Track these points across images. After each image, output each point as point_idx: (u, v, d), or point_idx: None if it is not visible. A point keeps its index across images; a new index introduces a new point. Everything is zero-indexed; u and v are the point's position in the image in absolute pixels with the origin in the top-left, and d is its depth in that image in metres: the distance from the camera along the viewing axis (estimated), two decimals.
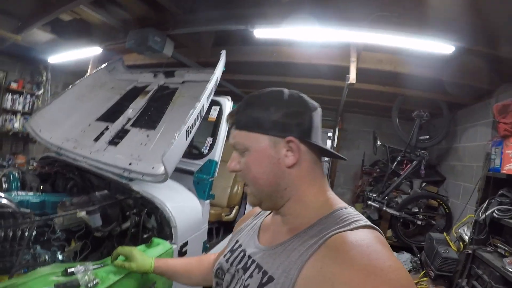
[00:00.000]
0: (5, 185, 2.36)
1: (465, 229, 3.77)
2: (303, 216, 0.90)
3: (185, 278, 1.39)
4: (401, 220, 4.94)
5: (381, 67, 4.04)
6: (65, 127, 3.14)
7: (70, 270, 1.36)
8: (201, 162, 2.74)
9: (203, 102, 2.19)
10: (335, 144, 7.15)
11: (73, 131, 3.09)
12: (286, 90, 0.95)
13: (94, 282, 1.33)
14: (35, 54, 6.03)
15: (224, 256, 1.07)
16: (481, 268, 3.04)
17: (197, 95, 2.28)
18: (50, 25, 4.63)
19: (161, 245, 1.82)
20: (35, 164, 3.05)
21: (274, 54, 4.17)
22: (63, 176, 2.75)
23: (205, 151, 2.76)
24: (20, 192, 2.23)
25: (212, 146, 2.75)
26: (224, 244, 1.32)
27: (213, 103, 2.95)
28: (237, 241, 1.09)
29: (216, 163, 2.74)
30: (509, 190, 3.06)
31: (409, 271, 4.24)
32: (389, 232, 5.20)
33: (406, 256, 4.58)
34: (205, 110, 2.33)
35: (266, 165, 0.91)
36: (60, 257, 1.62)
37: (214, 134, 2.82)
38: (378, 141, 5.55)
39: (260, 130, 0.90)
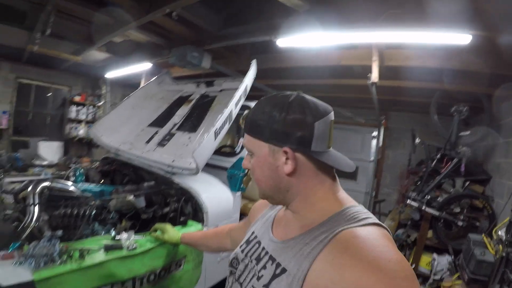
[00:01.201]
0: (72, 179, 2.77)
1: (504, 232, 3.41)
2: (312, 214, 0.93)
3: (204, 247, 1.70)
4: (442, 220, 4.66)
5: (408, 63, 3.97)
6: (122, 132, 3.57)
7: (117, 237, 1.77)
8: (234, 160, 3.06)
9: (231, 107, 2.51)
10: (380, 144, 6.92)
11: (129, 135, 3.52)
12: (292, 96, 0.94)
13: (134, 246, 1.73)
14: (95, 71, 6.74)
15: (241, 247, 1.12)
16: None
17: None
18: (106, 46, 5.10)
19: (193, 226, 2.20)
20: (97, 163, 3.48)
21: (294, 61, 4.35)
22: (120, 172, 3.19)
23: (238, 150, 3.11)
24: (84, 184, 2.64)
25: (243, 145, 3.09)
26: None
27: (246, 107, 3.29)
28: (253, 232, 1.14)
29: (242, 163, 3.04)
30: None
31: (443, 273, 4.16)
32: (430, 233, 4.91)
33: (447, 258, 4.39)
34: (234, 114, 2.62)
35: (266, 170, 0.96)
36: (113, 233, 1.91)
37: (243, 136, 3.13)
38: (417, 139, 5.36)
39: (261, 137, 0.94)
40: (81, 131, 7.73)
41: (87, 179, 2.93)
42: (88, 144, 7.99)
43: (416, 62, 3.94)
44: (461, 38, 2.91)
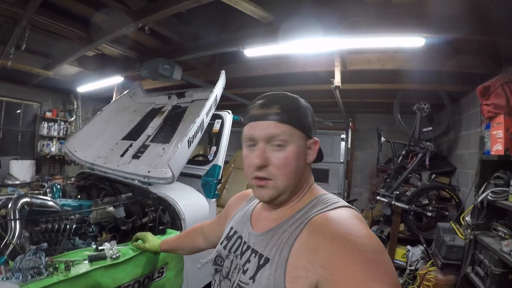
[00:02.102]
0: (49, 195, 2.81)
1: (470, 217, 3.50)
2: (293, 206, 1.02)
3: (180, 250, 1.76)
4: (412, 213, 4.83)
5: (370, 67, 4.16)
6: (96, 147, 3.59)
7: (100, 247, 1.82)
8: (207, 167, 3.14)
9: (202, 117, 2.59)
10: (349, 145, 6.91)
11: (103, 149, 3.55)
12: (300, 98, 1.07)
13: (117, 255, 1.77)
14: (66, 86, 6.65)
15: (221, 244, 1.16)
16: (483, 253, 3.00)
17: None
18: (77, 60, 5.12)
19: (172, 234, 2.23)
20: (72, 179, 3.46)
21: (259, 70, 4.50)
22: (96, 187, 3.20)
23: (211, 158, 3.19)
24: (62, 199, 2.68)
25: (216, 153, 3.18)
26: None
27: (216, 116, 3.38)
28: (231, 228, 1.19)
29: (220, 167, 3.10)
30: (504, 171, 2.92)
31: (417, 262, 4.28)
32: (402, 226, 5.07)
33: (421, 248, 4.57)
34: (206, 123, 2.69)
35: (301, 159, 1.00)
36: (94, 246, 1.92)
37: (217, 143, 3.21)
38: (382, 138, 5.53)
39: (302, 128, 1.00)
40: (53, 148, 7.62)
41: (64, 195, 2.97)
42: (60, 161, 7.89)
43: (377, 65, 4.13)
44: (415, 41, 3.10)
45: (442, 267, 3.66)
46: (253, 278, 0.94)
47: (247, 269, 0.97)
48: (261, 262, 0.94)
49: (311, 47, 3.45)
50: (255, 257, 0.98)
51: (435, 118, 5.67)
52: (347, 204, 0.96)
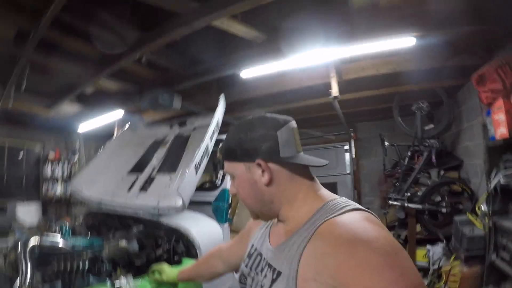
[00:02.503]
0: (59, 235, 2.79)
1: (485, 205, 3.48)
2: (298, 218, 0.97)
3: (199, 277, 1.71)
4: (426, 212, 4.79)
5: (365, 74, 4.15)
6: (102, 183, 3.58)
7: (116, 283, 1.78)
8: (216, 193, 3.14)
9: (207, 142, 2.61)
10: (353, 155, 7.10)
11: (110, 185, 3.54)
12: (254, 118, 1.05)
13: None
14: (67, 125, 6.57)
15: (244, 262, 1.17)
16: (505, 237, 2.96)
17: None
18: (76, 98, 5.12)
19: (189, 263, 2.22)
20: (81, 218, 3.48)
21: (257, 90, 4.51)
22: (105, 224, 3.19)
23: (218, 183, 3.19)
24: (72, 238, 2.63)
25: (223, 177, 3.18)
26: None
27: (221, 141, 3.37)
28: (252, 245, 1.19)
29: (229, 191, 3.14)
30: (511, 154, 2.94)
31: (440, 260, 4.19)
32: (419, 227, 5.01)
33: (441, 246, 4.42)
34: (210, 148, 2.71)
35: (248, 187, 1.02)
36: (108, 283, 1.90)
37: (223, 167, 3.23)
38: (386, 142, 5.57)
39: (235, 159, 1.02)
40: (59, 189, 7.49)
41: (74, 235, 2.92)
42: (67, 204, 7.74)
43: (372, 71, 4.13)
44: (406, 41, 3.13)
45: (466, 259, 3.58)
46: None
47: (264, 284, 0.97)
48: (274, 276, 0.93)
49: (305, 60, 3.47)
50: (269, 271, 0.97)
51: (434, 116, 5.68)
52: (358, 206, 0.92)
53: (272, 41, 3.33)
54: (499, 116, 2.89)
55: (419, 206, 4.70)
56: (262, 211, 1.06)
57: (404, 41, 3.14)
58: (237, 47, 3.62)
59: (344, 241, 0.78)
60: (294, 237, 0.94)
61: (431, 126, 5.41)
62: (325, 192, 1.04)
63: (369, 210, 0.91)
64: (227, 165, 1.07)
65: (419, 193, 4.95)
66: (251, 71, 3.66)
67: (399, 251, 0.76)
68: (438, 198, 4.88)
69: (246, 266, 1.14)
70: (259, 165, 0.99)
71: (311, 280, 0.81)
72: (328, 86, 4.10)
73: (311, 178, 1.06)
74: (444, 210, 4.68)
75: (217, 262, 1.58)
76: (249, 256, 1.16)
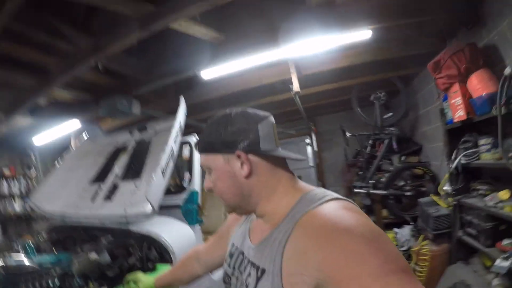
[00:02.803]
0: (23, 254, 2.60)
1: (448, 185, 3.63)
2: (278, 212, 0.96)
3: (178, 282, 1.65)
4: (391, 197, 4.96)
5: (324, 68, 4.26)
6: (63, 197, 3.43)
7: None
8: (184, 195, 3.10)
9: (171, 144, 2.56)
10: (316, 148, 7.26)
11: (71, 197, 3.40)
12: (233, 111, 1.02)
13: None
14: (20, 139, 6.25)
15: (226, 262, 1.16)
16: (470, 214, 3.13)
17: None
18: (29, 110, 4.81)
19: (164, 269, 2.12)
20: (44, 234, 3.29)
21: (221, 89, 4.52)
22: (71, 238, 3.05)
23: (186, 185, 3.15)
24: (37, 256, 2.49)
25: (190, 179, 3.15)
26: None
27: (184, 143, 3.34)
28: (233, 244, 1.17)
29: (197, 192, 3.08)
30: (470, 134, 3.11)
31: (408, 242, 4.27)
32: (384, 212, 5.29)
33: (408, 228, 4.51)
34: (175, 151, 2.66)
35: (226, 180, 1.00)
36: None
37: (190, 169, 3.19)
38: (347, 133, 5.70)
39: (214, 151, 1.00)
40: (17, 206, 7.19)
41: (39, 252, 2.77)
42: (27, 219, 7.41)
43: (330, 65, 4.26)
44: (363, 34, 3.21)
45: (434, 238, 3.74)
46: None
47: (249, 283, 0.96)
48: (259, 274, 0.92)
49: (265, 58, 3.48)
50: (253, 270, 0.96)
51: (392, 104, 5.83)
52: (336, 195, 0.91)
53: (231, 41, 3.34)
54: (456, 100, 3.07)
55: (384, 192, 4.90)
56: (240, 205, 1.04)
57: (361, 35, 3.21)
58: (196, 49, 3.58)
59: (325, 232, 0.77)
60: (274, 233, 0.93)
61: (390, 114, 5.60)
62: (303, 185, 1.04)
63: (347, 199, 0.91)
64: (204, 157, 1.05)
65: (383, 180, 5.15)
66: (212, 72, 3.65)
67: (380, 236, 0.76)
68: (402, 183, 5.11)
69: (229, 266, 1.13)
70: (238, 156, 0.98)
71: (296, 274, 0.80)
72: (287, 82, 4.16)
73: (290, 172, 1.05)
74: (408, 193, 4.90)
75: (195, 265, 1.55)
76: (231, 255, 1.15)
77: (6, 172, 7.11)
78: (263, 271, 0.91)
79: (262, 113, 1.04)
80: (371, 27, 3.17)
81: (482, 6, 3.00)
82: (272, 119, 1.05)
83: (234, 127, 0.98)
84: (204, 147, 1.04)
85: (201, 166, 1.08)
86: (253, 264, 0.98)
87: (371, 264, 0.68)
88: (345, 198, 0.91)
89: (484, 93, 2.68)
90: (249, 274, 0.98)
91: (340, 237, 0.74)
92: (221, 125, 1.00)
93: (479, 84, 2.79)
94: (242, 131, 0.98)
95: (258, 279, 0.92)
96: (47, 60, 3.42)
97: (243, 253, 1.08)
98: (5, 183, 7.08)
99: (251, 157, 0.98)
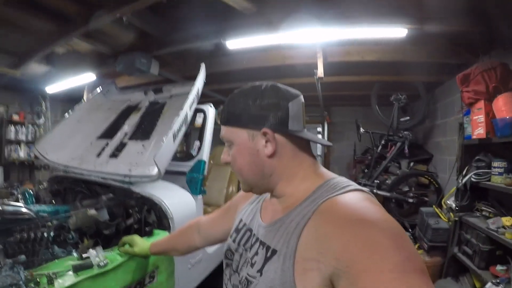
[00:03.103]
0: (21, 201, 2.56)
1: (453, 199, 3.74)
2: (296, 195, 0.93)
3: (174, 251, 1.62)
4: (393, 200, 4.95)
5: (349, 59, 4.17)
6: (69, 148, 3.38)
7: (84, 255, 1.65)
8: (191, 163, 3.04)
9: (186, 110, 2.48)
10: (325, 138, 7.00)
11: (77, 150, 3.35)
12: (264, 84, 0.97)
13: (105, 262, 1.61)
14: (33, 86, 6.23)
15: (231, 237, 1.12)
16: (469, 233, 3.15)
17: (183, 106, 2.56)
18: (46, 58, 4.83)
19: (161, 235, 2.08)
20: (45, 184, 3.28)
21: (244, 62, 4.39)
22: (72, 190, 3.00)
23: (194, 153, 3.08)
24: (36, 205, 2.45)
25: (200, 148, 3.08)
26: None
27: (198, 111, 3.28)
28: (241, 220, 1.14)
29: (205, 162, 3.02)
30: (485, 154, 3.11)
31: None
32: None
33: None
34: (189, 117, 2.58)
35: (248, 156, 0.95)
36: (75, 254, 1.80)
37: (201, 138, 3.12)
38: (361, 129, 5.68)
39: (239, 124, 0.95)
40: (22, 153, 7.20)
41: (38, 201, 2.76)
42: (30, 167, 7.48)
43: (357, 57, 4.15)
44: (398, 31, 3.17)
45: (429, 249, 3.77)
46: (260, 271, 0.88)
47: (255, 262, 0.92)
48: (268, 254, 0.88)
49: (293, 38, 3.42)
50: (262, 249, 0.92)
51: (409, 108, 5.86)
52: (359, 187, 0.87)
53: (262, 14, 3.26)
54: (478, 117, 3.05)
55: (387, 194, 4.88)
56: (258, 184, 0.99)
57: (395, 31, 3.18)
58: (225, 16, 3.49)
59: (349, 222, 0.73)
60: (291, 214, 0.89)
61: (407, 118, 5.59)
62: (325, 171, 0.99)
63: (369, 192, 0.87)
64: (227, 130, 0.99)
65: (388, 181, 5.17)
66: (237, 43, 3.57)
67: (403, 233, 0.72)
68: (406, 188, 5.10)
69: (234, 241, 1.09)
70: (264, 134, 0.92)
71: (312, 260, 0.76)
72: (311, 66, 4.08)
73: (313, 156, 1.01)
74: (410, 200, 4.90)
75: (195, 235, 1.50)
76: (237, 230, 1.11)
77: (15, 117, 7.09)
78: (274, 251, 0.87)
79: (293, 90, 0.99)
80: (409, 27, 3.12)
81: None
82: (302, 98, 0.99)
83: (264, 102, 0.93)
84: (229, 119, 0.98)
85: (221, 138, 1.01)
86: (262, 243, 0.94)
87: (394, 260, 0.65)
88: (367, 191, 0.87)
89: (508, 116, 2.66)
90: (256, 253, 0.94)
91: (365, 227, 0.70)
92: (250, 97, 0.94)
93: (505, 106, 2.74)
94: (272, 107, 0.93)
95: (267, 259, 0.88)
96: (70, 7, 3.31)
97: (251, 230, 1.05)
98: (12, 129, 7.07)
99: (278, 136, 0.93)
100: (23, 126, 7.22)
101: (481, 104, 3.03)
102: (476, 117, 3.10)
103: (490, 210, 3.07)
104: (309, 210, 0.84)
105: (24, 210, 2.06)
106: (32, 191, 2.76)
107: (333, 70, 4.45)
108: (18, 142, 7.20)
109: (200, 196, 2.93)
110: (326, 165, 7.46)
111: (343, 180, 0.91)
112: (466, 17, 3.00)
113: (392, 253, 0.66)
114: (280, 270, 0.81)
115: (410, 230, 4.53)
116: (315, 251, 0.75)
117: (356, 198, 0.81)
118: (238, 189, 4.46)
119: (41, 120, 7.40)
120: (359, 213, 0.75)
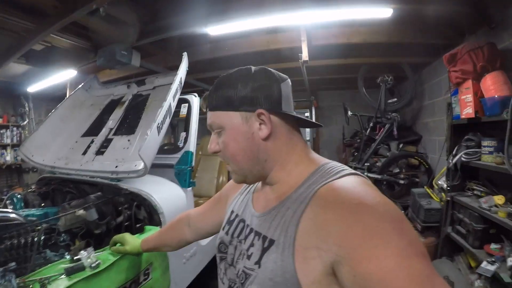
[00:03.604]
0: (10, 207, 2.56)
1: (444, 179, 3.76)
2: (290, 181, 0.91)
3: (165, 247, 1.58)
4: (385, 182, 4.98)
5: (335, 41, 4.13)
6: (54, 148, 3.33)
7: (76, 257, 1.60)
8: (178, 155, 2.97)
9: (169, 101, 2.41)
10: None
11: (63, 150, 3.29)
12: (253, 67, 0.95)
13: (97, 263, 1.56)
14: (14, 87, 6.14)
15: (223, 229, 1.09)
16: (462, 212, 3.18)
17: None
18: (24, 57, 4.70)
19: (152, 231, 2.01)
20: (33, 187, 3.19)
21: (226, 48, 4.31)
22: (60, 191, 2.94)
23: (181, 145, 3.02)
24: (24, 210, 2.40)
25: (186, 139, 3.02)
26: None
27: (182, 101, 3.20)
28: (232, 211, 1.11)
29: (192, 153, 2.96)
30: (474, 134, 3.15)
31: None
32: None
33: None
34: (173, 107, 2.52)
35: (242, 141, 0.91)
36: (68, 256, 1.74)
37: (186, 128, 3.06)
38: (349, 112, 5.67)
39: (231, 107, 0.91)
40: (8, 156, 7.08)
41: (27, 205, 2.70)
42: (18, 171, 7.38)
43: (342, 39, 4.12)
44: (383, 12, 3.15)
45: (422, 230, 3.81)
46: (258, 263, 0.85)
47: (252, 253, 0.89)
48: (266, 244, 0.85)
49: (276, 21, 3.37)
50: (258, 240, 0.89)
51: (397, 90, 5.90)
52: (353, 171, 0.85)
53: None
54: (467, 96, 3.07)
55: (378, 176, 4.92)
56: (252, 170, 0.95)
57: (380, 12, 3.16)
58: (205, 3, 3.41)
59: (349, 206, 0.71)
60: (287, 202, 0.87)
61: (394, 100, 5.63)
62: (316, 156, 0.98)
63: (365, 176, 0.86)
64: (216, 115, 0.94)
65: (378, 164, 5.24)
66: (220, 28, 3.50)
67: (404, 218, 0.71)
68: (396, 170, 5.17)
69: (227, 233, 1.06)
70: (259, 115, 0.90)
71: (312, 248, 0.74)
72: (295, 50, 4.05)
73: (304, 140, 1.00)
74: (401, 181, 4.95)
75: (185, 229, 1.46)
76: (230, 222, 1.09)
77: None
78: (271, 241, 0.84)
79: (281, 74, 0.97)
80: (393, 6, 3.10)
81: (509, 9, 2.95)
82: (290, 81, 0.98)
83: (256, 84, 0.91)
84: (218, 104, 0.93)
85: (209, 126, 0.97)
86: (258, 234, 0.91)
87: (396, 244, 0.64)
88: (363, 175, 0.86)
89: (496, 95, 2.68)
90: (252, 244, 0.91)
91: (366, 212, 0.69)
92: (241, 80, 0.91)
93: (493, 85, 2.77)
94: (265, 87, 0.91)
95: (264, 250, 0.85)
96: (45, 2, 3.19)
97: (244, 221, 1.02)
98: None
99: (273, 117, 0.91)
100: (7, 130, 7.10)
101: (468, 83, 3.05)
102: (464, 96, 3.12)
103: (481, 189, 3.11)
104: (306, 196, 0.82)
105: (12, 215, 2.01)
106: (20, 195, 2.72)
107: (318, 53, 4.42)
108: (3, 146, 7.08)
109: (189, 189, 2.87)
110: (316, 149, 7.43)
111: (337, 165, 0.89)
112: None
113: (394, 237, 0.65)
114: (279, 260, 0.79)
115: (403, 211, 4.50)
116: (315, 239, 0.74)
117: (353, 182, 0.80)
118: (229, 179, 4.44)
119: (25, 121, 7.28)
120: (359, 198, 0.73)
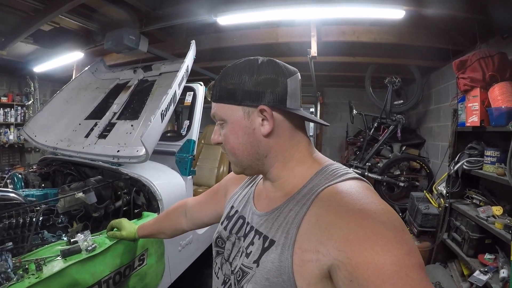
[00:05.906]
0: (10, 186, 2.58)
1: (444, 186, 3.74)
2: (292, 181, 0.90)
3: (161, 234, 1.57)
4: (385, 184, 4.98)
5: (344, 39, 4.11)
6: (57, 130, 3.32)
7: (73, 239, 1.60)
8: (181, 143, 2.96)
9: (175, 88, 2.40)
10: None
11: (66, 131, 3.28)
12: (260, 58, 0.91)
13: (93, 246, 1.57)
14: (21, 66, 6.12)
15: (222, 224, 1.08)
16: (459, 220, 3.19)
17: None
18: (32, 37, 4.69)
19: (149, 217, 2.02)
20: (34, 167, 3.18)
21: (234, 39, 4.29)
22: (61, 173, 2.95)
23: (184, 132, 3.01)
24: (24, 190, 2.41)
25: (189, 127, 3.01)
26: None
27: (188, 89, 3.19)
28: (232, 207, 1.10)
29: (194, 141, 2.96)
30: (477, 142, 3.14)
31: None
32: None
33: None
34: (178, 95, 2.50)
35: (242, 135, 0.89)
36: (65, 238, 1.78)
37: (190, 116, 3.05)
38: (354, 110, 5.61)
39: (233, 101, 0.88)
40: (11, 135, 7.11)
41: (27, 185, 2.71)
42: (20, 150, 7.41)
43: (352, 37, 4.10)
44: (395, 13, 3.15)
45: (418, 234, 3.81)
46: (257, 262, 0.84)
47: (251, 252, 0.88)
48: (266, 244, 0.84)
49: (289, 14, 3.36)
50: (259, 239, 0.88)
51: (403, 92, 5.86)
52: (357, 175, 0.84)
53: None
54: (473, 104, 3.08)
55: (378, 177, 4.92)
56: (251, 165, 0.94)
57: (393, 12, 3.15)
58: None
59: (352, 211, 0.70)
60: (290, 203, 0.85)
61: (400, 101, 5.59)
62: (320, 156, 0.95)
63: (366, 180, 0.84)
64: (219, 107, 0.92)
65: (379, 164, 5.24)
66: (229, 18, 3.48)
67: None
68: (397, 172, 5.17)
69: (225, 228, 1.05)
70: (261, 111, 0.86)
71: (311, 251, 0.73)
72: (305, 46, 4.01)
73: (308, 138, 0.96)
74: (402, 184, 4.93)
75: (181, 218, 1.46)
76: (229, 218, 1.07)
77: (3, 99, 6.98)
78: (272, 242, 0.83)
79: (290, 67, 0.92)
80: (406, 8, 3.09)
81: None
82: (299, 76, 0.93)
83: (261, 77, 0.86)
84: (221, 95, 0.90)
85: (212, 116, 0.94)
86: (259, 233, 0.90)
87: (395, 253, 0.63)
88: (366, 180, 0.85)
89: (503, 106, 2.66)
90: (252, 243, 0.90)
91: (368, 219, 0.68)
92: (246, 72, 0.87)
93: (501, 96, 2.73)
94: (270, 82, 0.86)
95: (264, 250, 0.84)
96: None
97: (243, 218, 1.01)
98: (1, 111, 6.98)
99: (275, 114, 0.88)
100: (11, 108, 7.11)
101: (476, 91, 3.02)
102: (471, 104, 3.09)
103: (480, 198, 3.10)
104: (308, 198, 0.81)
105: (12, 195, 2.02)
106: (21, 175, 2.73)
107: (327, 49, 4.40)
108: (7, 125, 7.10)
109: (190, 177, 2.87)
110: (318, 146, 7.52)
111: (341, 167, 0.87)
112: (465, 3, 2.99)
113: (395, 245, 0.64)
114: (278, 261, 0.79)
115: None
116: (315, 241, 0.73)
117: (357, 187, 0.78)
118: (229, 170, 4.45)
119: (30, 101, 7.29)
120: (362, 203, 0.72)
